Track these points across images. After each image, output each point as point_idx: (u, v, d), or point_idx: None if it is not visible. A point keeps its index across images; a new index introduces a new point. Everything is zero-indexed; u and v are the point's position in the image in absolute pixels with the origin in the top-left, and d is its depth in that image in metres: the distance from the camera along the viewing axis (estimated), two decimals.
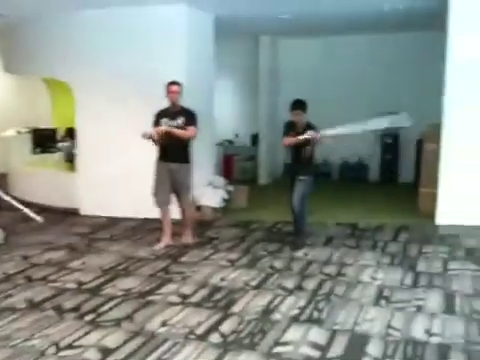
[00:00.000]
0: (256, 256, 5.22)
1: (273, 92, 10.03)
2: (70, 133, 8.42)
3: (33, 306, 4.00)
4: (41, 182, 7.82)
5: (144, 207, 6.12)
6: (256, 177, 10.09)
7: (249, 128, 10.75)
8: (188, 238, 5.71)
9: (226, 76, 10.53)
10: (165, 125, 5.27)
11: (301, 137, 5.16)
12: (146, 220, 6.65)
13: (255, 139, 10.53)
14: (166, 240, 5.61)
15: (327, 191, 8.66)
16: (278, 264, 4.94)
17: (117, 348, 3.27)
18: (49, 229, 6.48)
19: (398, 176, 9.72)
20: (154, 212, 5.71)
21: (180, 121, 5.32)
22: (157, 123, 5.34)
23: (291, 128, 5.35)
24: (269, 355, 3.15)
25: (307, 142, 5.20)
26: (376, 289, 4.21)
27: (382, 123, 5.51)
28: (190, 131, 5.32)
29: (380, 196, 8.54)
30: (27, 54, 7.73)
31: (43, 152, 9.21)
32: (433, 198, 6.42)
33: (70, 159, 7.93)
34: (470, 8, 6.03)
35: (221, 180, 7.33)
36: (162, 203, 5.51)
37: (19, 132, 9.41)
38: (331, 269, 4.75)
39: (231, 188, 7.29)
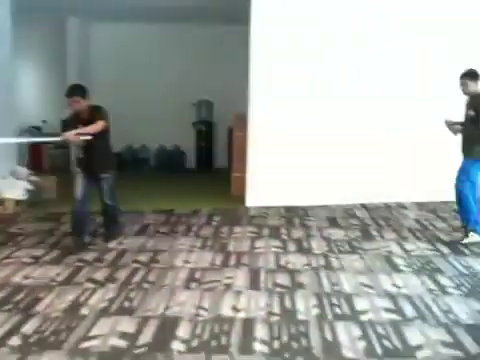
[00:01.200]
0: (64, 250, 4.91)
1: (83, 76, 9.54)
2: None
3: None
4: None
5: None
6: (68, 166, 9.53)
7: (59, 113, 10.08)
8: None
9: (31, 59, 9.74)
10: None
11: None
12: None
13: (66, 125, 9.90)
14: None
15: (143, 178, 8.59)
16: (89, 257, 4.72)
17: None
18: None
19: (213, 162, 10.08)
20: None
21: None
22: None
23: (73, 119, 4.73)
24: (75, 352, 2.98)
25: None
26: (188, 272, 4.28)
27: None
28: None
29: (196, 182, 8.76)
30: None
31: None
32: (244, 182, 6.79)
33: None
34: (270, 2, 6.45)
35: (24, 170, 6.76)
36: None
37: None
38: (145, 257, 4.70)
39: (36, 179, 6.76)
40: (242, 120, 6.83)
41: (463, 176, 5.03)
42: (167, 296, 3.78)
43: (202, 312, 3.51)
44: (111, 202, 5.09)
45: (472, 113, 4.86)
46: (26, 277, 4.18)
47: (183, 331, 3.23)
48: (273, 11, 6.48)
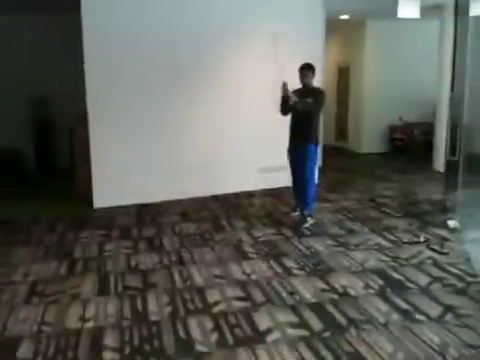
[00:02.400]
0: None
1: None
2: None
3: None
4: None
5: None
6: None
7: None
8: None
9: None
10: None
11: None
12: None
13: None
14: None
15: None
16: None
17: None
18: None
19: (55, 163, 9.43)
20: None
21: None
22: None
23: None
24: None
25: None
26: (29, 286, 3.94)
27: None
28: None
29: (37, 185, 8.14)
30: None
31: None
32: (89, 183, 6.46)
33: None
34: None
35: None
36: None
37: None
38: None
39: None
40: (83, 119, 6.47)
41: (309, 162, 5.34)
42: (6, 314, 3.43)
43: (45, 327, 3.25)
44: None
45: (310, 100, 5.17)
46: None
47: (25, 350, 2.97)
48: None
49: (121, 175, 6.46)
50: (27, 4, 7.79)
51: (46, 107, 9.16)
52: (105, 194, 6.43)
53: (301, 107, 5.12)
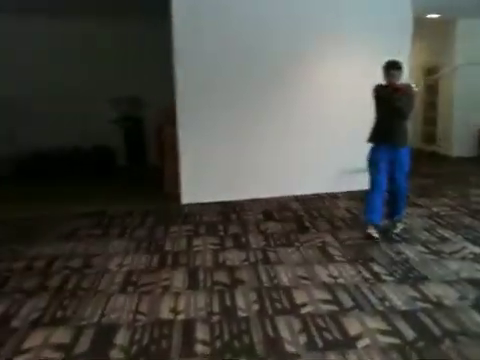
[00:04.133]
0: None
1: None
2: None
3: None
4: None
5: None
6: None
7: None
8: None
9: None
10: None
11: None
12: None
13: None
14: None
15: (68, 180, 8.29)
16: (16, 265, 4.46)
17: None
18: None
19: (146, 159, 9.84)
20: None
21: None
22: None
23: None
24: None
25: None
26: (124, 276, 4.15)
27: None
28: None
29: (128, 181, 8.52)
30: None
31: None
32: (177, 180, 6.67)
33: None
34: None
35: None
36: None
37: None
38: (77, 262, 4.50)
39: None
40: (171, 116, 6.69)
41: (405, 167, 5.07)
42: (103, 302, 3.64)
43: (140, 317, 3.40)
44: None
45: (401, 103, 4.82)
46: None
47: (121, 338, 3.12)
48: (193, 5, 6.34)
49: (207, 174, 6.62)
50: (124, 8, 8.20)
51: (138, 106, 9.59)
52: (192, 191, 6.62)
53: (401, 105, 4.82)
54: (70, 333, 3.18)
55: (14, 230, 5.62)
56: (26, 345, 3.05)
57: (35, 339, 3.12)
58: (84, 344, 3.05)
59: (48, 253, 4.77)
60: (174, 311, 3.48)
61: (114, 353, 2.96)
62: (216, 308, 3.52)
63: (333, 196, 6.89)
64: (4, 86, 8.86)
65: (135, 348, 3.01)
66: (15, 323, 3.35)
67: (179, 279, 4.06)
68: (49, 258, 4.62)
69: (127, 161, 9.82)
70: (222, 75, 6.53)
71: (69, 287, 3.94)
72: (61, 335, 3.16)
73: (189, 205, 6.53)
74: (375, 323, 3.26)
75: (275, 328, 3.21)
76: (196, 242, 5.05)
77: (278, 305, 3.55)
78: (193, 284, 3.96)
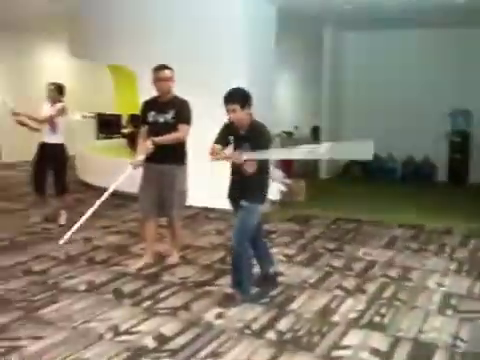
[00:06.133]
0: (314, 253, 5.08)
1: (336, 85, 9.74)
2: (133, 120, 8.51)
3: (93, 289, 4.06)
4: (107, 167, 7.82)
5: None
6: (317, 171, 9.86)
7: (310, 120, 10.72)
8: (174, 258, 4.73)
9: (287, 69, 10.44)
10: (152, 119, 4.39)
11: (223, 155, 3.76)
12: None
13: (316, 132, 10.33)
14: (147, 258, 4.67)
15: (389, 189, 8.38)
16: (337, 263, 4.78)
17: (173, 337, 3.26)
18: (109, 213, 6.57)
19: (468, 177, 9.23)
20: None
21: (169, 116, 4.33)
22: (144, 115, 4.44)
23: (226, 131, 3.81)
24: (327, 358, 3.03)
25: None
26: (442, 296, 3.98)
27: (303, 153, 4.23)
28: (179, 133, 4.32)
29: (448, 197, 8.13)
30: (95, 40, 7.88)
31: (107, 138, 9.41)
32: None
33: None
34: None
35: (279, 173, 7.19)
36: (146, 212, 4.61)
37: (84, 116, 9.65)
38: (394, 272, 4.54)
39: (289, 181, 7.16)
40: None
41: None
42: (420, 318, 3.57)
43: (460, 343, 3.21)
44: (238, 245, 3.74)
45: None
46: (282, 274, 4.42)
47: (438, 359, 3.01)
48: None
49: None
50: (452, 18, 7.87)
51: (466, 119, 9.07)
52: None
53: None
54: (387, 341, 3.23)
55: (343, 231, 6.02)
56: (345, 341, 3.23)
57: (353, 338, 3.27)
58: (401, 355, 3.05)
59: (367, 257, 4.96)
60: None
61: None
62: None
63: None
64: None
65: None
66: (335, 318, 3.59)
67: None
68: (368, 263, 4.80)
69: (448, 177, 9.38)
70: None
71: (386, 295, 4.01)
72: (378, 341, 3.24)
73: None
74: None
75: None
76: None
77: None
78: None
